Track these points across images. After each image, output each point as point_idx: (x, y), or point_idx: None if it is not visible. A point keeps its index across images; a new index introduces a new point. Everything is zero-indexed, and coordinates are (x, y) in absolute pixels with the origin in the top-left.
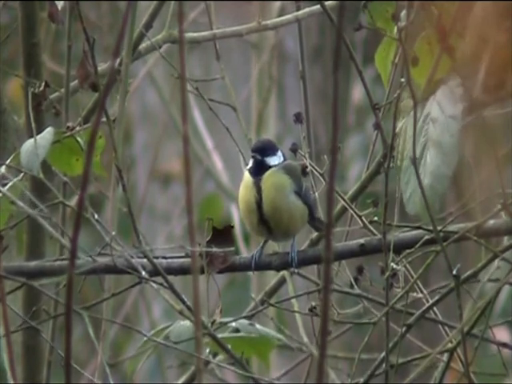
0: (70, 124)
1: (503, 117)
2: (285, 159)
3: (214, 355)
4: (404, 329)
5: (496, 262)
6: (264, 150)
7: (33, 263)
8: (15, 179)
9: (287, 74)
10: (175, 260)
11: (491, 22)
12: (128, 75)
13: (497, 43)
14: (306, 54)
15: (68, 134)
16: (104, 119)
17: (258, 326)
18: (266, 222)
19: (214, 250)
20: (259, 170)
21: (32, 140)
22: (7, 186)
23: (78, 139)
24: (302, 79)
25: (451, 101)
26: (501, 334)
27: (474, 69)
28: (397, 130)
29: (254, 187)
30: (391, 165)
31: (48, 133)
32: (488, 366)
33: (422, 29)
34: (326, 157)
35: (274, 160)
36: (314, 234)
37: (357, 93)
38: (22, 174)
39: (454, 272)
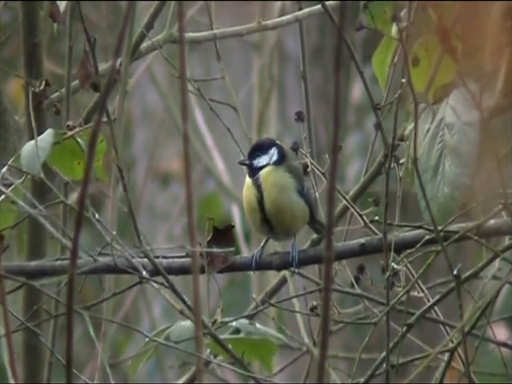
0: (70, 123)
1: (503, 117)
2: (281, 156)
3: (215, 356)
4: (404, 328)
5: (497, 263)
6: (251, 153)
7: (33, 263)
8: (17, 181)
9: (287, 75)
10: (176, 260)
11: (508, 26)
12: (127, 76)
13: None
14: (306, 54)
15: (68, 135)
16: (105, 119)
17: (258, 325)
18: (269, 221)
19: (215, 249)
20: (251, 171)
21: (33, 142)
22: (10, 188)
23: (79, 141)
24: (303, 79)
25: (466, 107)
26: (500, 332)
27: (492, 74)
28: (406, 132)
29: (253, 187)
30: (392, 165)
31: (48, 134)
32: (487, 364)
33: (419, 34)
34: (326, 156)
35: (264, 160)
36: (315, 234)
37: (356, 91)
38: (24, 177)
39: (455, 272)
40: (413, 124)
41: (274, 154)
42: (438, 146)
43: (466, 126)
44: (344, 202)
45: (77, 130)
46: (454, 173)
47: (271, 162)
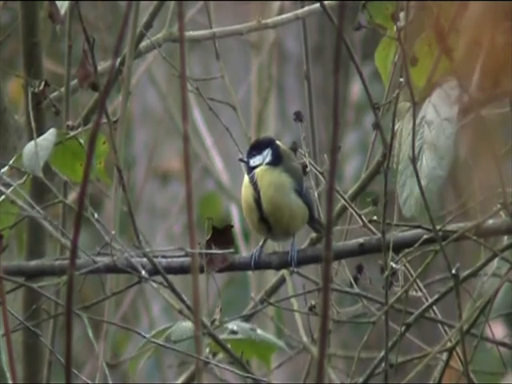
0: (69, 123)
1: (501, 115)
2: (275, 157)
3: (214, 354)
4: (403, 328)
5: (495, 262)
6: (249, 151)
7: (33, 262)
8: (19, 182)
9: (287, 74)
10: (175, 259)
11: (486, 22)
12: (130, 76)
13: (492, 43)
14: (309, 53)
15: (70, 135)
16: (105, 120)
17: (259, 331)
18: (266, 221)
19: (214, 250)
20: (248, 169)
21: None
22: (10, 189)
23: (81, 141)
24: (307, 79)
25: (446, 103)
26: (497, 330)
27: (469, 68)
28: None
29: (250, 185)
30: (391, 164)
31: (50, 134)
32: (485, 362)
33: (421, 30)
34: (325, 156)
35: (257, 160)
36: (314, 234)
37: (355, 89)
38: (25, 177)
39: (454, 271)
40: (400, 123)
41: (267, 155)
42: (417, 143)
43: (445, 121)
44: (343, 201)
45: (79, 130)
46: (430, 166)
47: (264, 162)
